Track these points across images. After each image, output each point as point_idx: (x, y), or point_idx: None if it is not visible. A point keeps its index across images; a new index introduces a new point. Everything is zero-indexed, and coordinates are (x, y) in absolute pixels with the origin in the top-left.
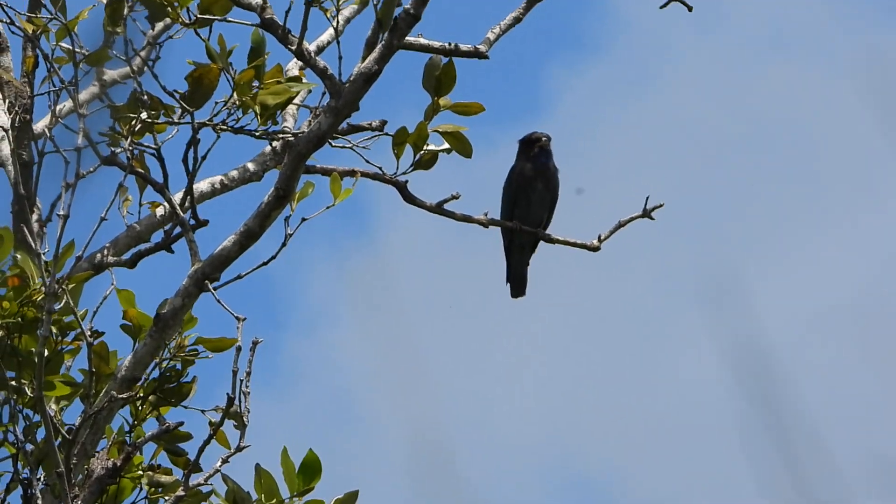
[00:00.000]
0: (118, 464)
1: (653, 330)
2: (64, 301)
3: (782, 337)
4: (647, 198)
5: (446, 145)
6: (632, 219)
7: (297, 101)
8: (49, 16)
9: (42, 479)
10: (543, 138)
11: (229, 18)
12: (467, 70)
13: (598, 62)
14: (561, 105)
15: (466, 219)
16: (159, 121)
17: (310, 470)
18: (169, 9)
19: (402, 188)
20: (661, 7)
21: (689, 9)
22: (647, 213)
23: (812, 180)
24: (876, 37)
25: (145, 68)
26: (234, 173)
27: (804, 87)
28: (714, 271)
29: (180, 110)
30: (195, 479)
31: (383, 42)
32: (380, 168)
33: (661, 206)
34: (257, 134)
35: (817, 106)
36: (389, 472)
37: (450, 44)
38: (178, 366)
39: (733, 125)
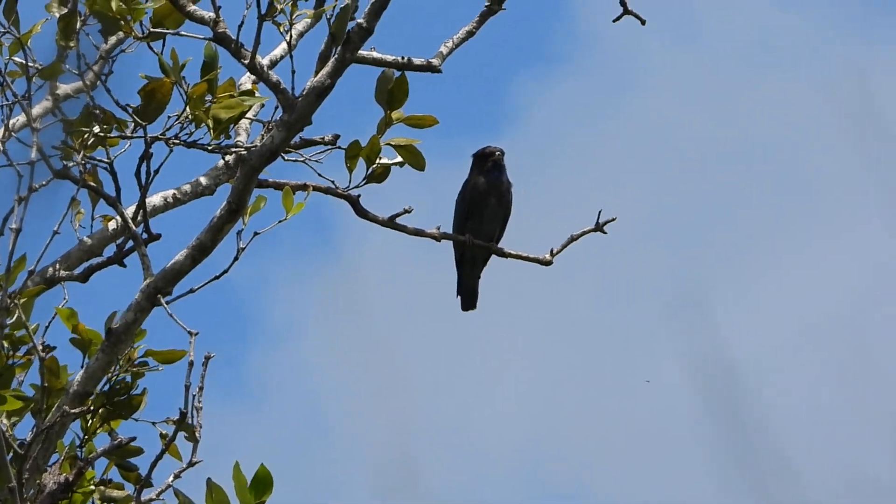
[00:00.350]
0: (70, 479)
1: (618, 343)
2: (16, 315)
3: (748, 351)
4: (600, 212)
5: (399, 158)
6: (584, 233)
7: (249, 115)
8: (2, 30)
9: None
10: (497, 152)
11: (182, 32)
12: (431, 83)
13: (567, 75)
14: (529, 118)
15: (419, 233)
16: (112, 135)
17: (261, 484)
18: (122, 23)
19: (354, 202)
20: (613, 21)
21: (643, 22)
22: (599, 228)
23: (786, 197)
24: (854, 49)
25: (98, 82)
26: (187, 187)
27: (779, 101)
28: (679, 286)
29: (133, 124)
30: (147, 495)
31: (336, 56)
32: (332, 182)
33: (613, 220)
34: (210, 148)
35: (792, 120)
36: (357, 484)
37: (403, 57)
38: (128, 378)
39: (706, 139)
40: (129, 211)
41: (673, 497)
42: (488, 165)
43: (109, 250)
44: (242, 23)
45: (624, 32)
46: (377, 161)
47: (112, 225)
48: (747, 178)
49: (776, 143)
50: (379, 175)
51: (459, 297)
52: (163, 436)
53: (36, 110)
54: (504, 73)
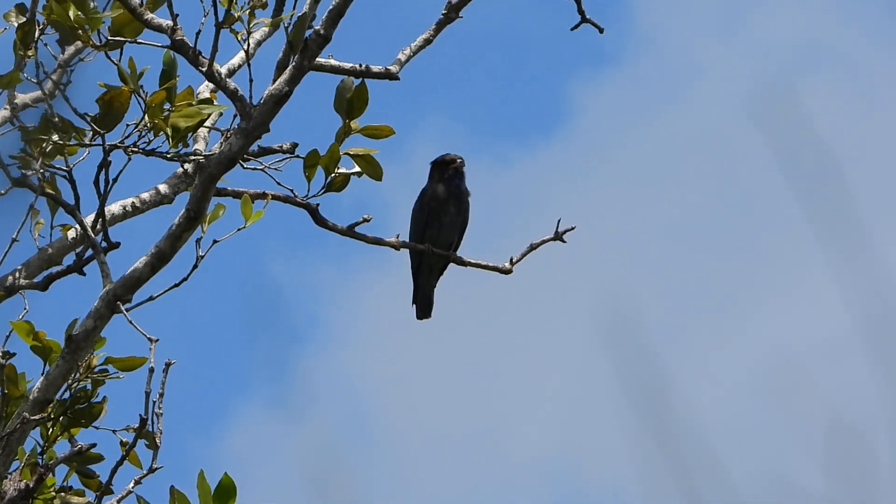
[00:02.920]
0: (31, 485)
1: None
2: None
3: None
4: (559, 220)
5: (357, 168)
6: (543, 241)
7: (208, 123)
8: None
9: None
10: (458, 160)
11: (140, 40)
12: (492, 79)
13: (621, 77)
14: (582, 120)
15: (378, 241)
16: (71, 143)
17: (225, 493)
18: (80, 32)
19: (313, 211)
20: (571, 29)
21: (601, 30)
22: (558, 236)
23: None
24: None
25: (57, 91)
26: (146, 195)
27: (836, 107)
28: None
29: (91, 132)
30: (107, 501)
31: (294, 63)
32: (291, 191)
33: (572, 228)
34: (169, 156)
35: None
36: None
37: (360, 65)
38: (89, 386)
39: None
40: (89, 219)
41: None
42: (449, 173)
43: (69, 259)
44: (200, 31)
45: (679, 34)
46: (336, 170)
47: (71, 233)
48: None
49: (837, 144)
50: (338, 184)
51: (415, 305)
52: (123, 444)
53: None
54: (557, 74)
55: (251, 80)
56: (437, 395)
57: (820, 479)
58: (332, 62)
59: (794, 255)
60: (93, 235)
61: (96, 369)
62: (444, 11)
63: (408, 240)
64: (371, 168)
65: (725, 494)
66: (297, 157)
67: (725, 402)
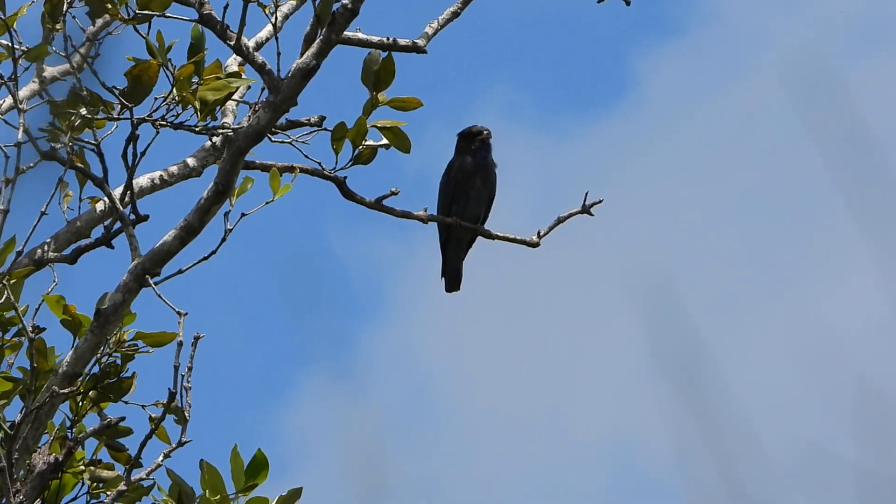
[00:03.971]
0: (60, 459)
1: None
2: (4, 297)
3: (712, 328)
4: (587, 193)
5: (385, 140)
6: (570, 214)
7: (236, 96)
8: None
9: None
10: (485, 132)
11: (168, 14)
12: (570, 48)
13: (684, 49)
14: (643, 93)
15: (406, 215)
16: (99, 116)
17: (257, 468)
18: (108, 5)
19: (340, 184)
20: (598, 1)
21: (627, 3)
22: (586, 209)
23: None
24: None
25: (85, 64)
26: (174, 169)
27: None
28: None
29: (120, 106)
30: (137, 474)
31: (321, 37)
32: (319, 164)
33: (600, 202)
34: (197, 129)
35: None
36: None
37: (388, 38)
38: (118, 361)
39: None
40: (117, 192)
41: (635, 480)
42: (475, 145)
43: (97, 231)
44: (228, 5)
45: (744, 5)
46: (363, 143)
47: (100, 206)
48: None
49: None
50: (365, 157)
51: (444, 278)
52: (152, 418)
53: (23, 92)
54: (619, 46)
55: (279, 54)
56: (492, 372)
57: (852, 447)
58: (360, 35)
59: (836, 235)
60: (121, 208)
61: (126, 344)
62: None
63: (436, 213)
64: (399, 140)
65: (760, 463)
66: (325, 129)
67: (761, 374)
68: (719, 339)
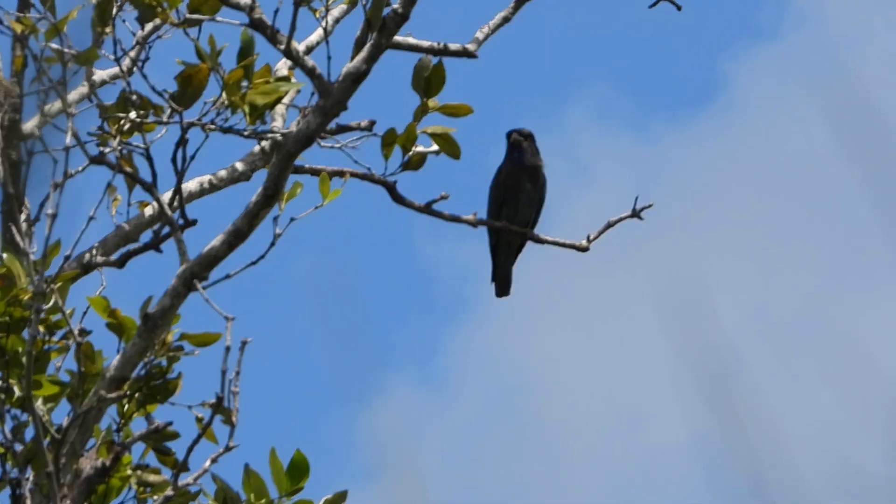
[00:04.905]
0: (107, 463)
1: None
2: (52, 300)
3: (744, 346)
4: (637, 197)
5: (435, 147)
6: (621, 219)
7: (285, 100)
8: (38, 15)
9: (31, 479)
10: (513, 136)
11: (218, 18)
12: (664, 50)
13: (776, 52)
14: (732, 96)
15: (455, 219)
16: (148, 120)
17: (298, 470)
18: (158, 9)
19: (391, 188)
20: (650, 7)
21: (679, 8)
22: (636, 213)
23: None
24: None
25: (134, 68)
26: (223, 173)
27: None
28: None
29: (169, 110)
30: (184, 479)
31: (372, 41)
32: (368, 168)
33: (650, 206)
34: (246, 133)
35: None
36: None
37: (439, 43)
38: (164, 363)
39: None
40: (166, 197)
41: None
42: (515, 149)
43: (146, 236)
44: (278, 9)
45: (838, 7)
46: (413, 149)
47: (148, 211)
48: None
49: None
50: (415, 163)
51: (494, 283)
52: (199, 420)
53: (72, 96)
54: (710, 48)
55: (329, 58)
56: (574, 374)
57: (886, 465)
58: (410, 40)
59: (874, 253)
60: (170, 213)
61: (172, 346)
62: None
63: (485, 218)
64: (449, 146)
65: (794, 481)
66: (375, 134)
67: (795, 392)
68: (754, 357)
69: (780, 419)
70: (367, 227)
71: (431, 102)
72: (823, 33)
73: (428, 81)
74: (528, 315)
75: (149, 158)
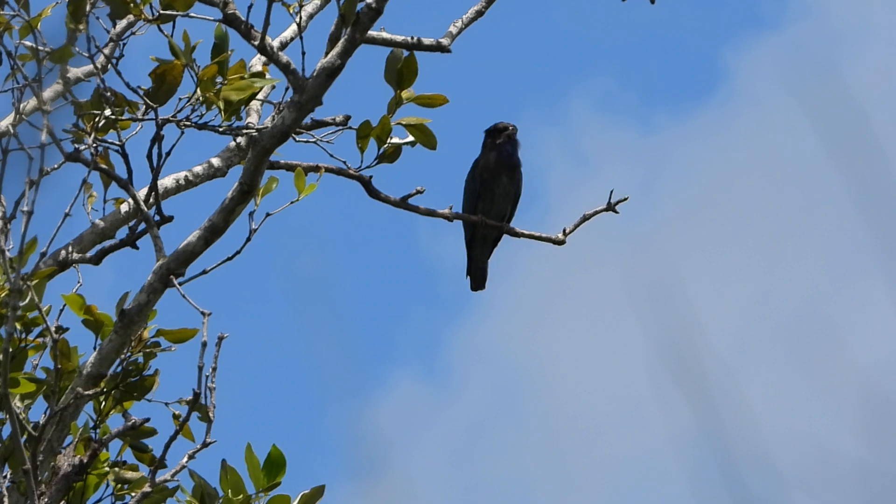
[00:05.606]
0: (84, 460)
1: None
2: (28, 297)
3: (717, 333)
4: (612, 191)
5: (411, 138)
6: (596, 212)
7: (260, 96)
8: (12, 13)
9: (8, 476)
10: (510, 127)
11: (192, 14)
12: (648, 41)
13: (778, 42)
14: (734, 87)
15: (431, 213)
16: (123, 117)
17: (274, 466)
18: (131, 5)
19: (366, 183)
20: (622, 0)
21: (652, 1)
22: (611, 207)
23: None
24: None
25: (109, 65)
26: (199, 169)
27: None
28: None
29: (144, 107)
30: (161, 475)
31: (346, 36)
32: (344, 162)
33: (625, 199)
34: (221, 129)
35: None
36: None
37: (412, 38)
38: (141, 359)
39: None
40: (142, 193)
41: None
42: (501, 140)
43: (122, 233)
44: (252, 4)
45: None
46: (388, 141)
47: (124, 207)
48: None
49: None
50: (390, 155)
51: (469, 276)
52: (176, 416)
53: (47, 93)
54: (712, 38)
55: (303, 54)
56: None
57: (857, 446)
58: (384, 35)
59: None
60: (146, 209)
61: (148, 342)
62: None
63: (461, 211)
64: (425, 137)
65: (764, 461)
66: (350, 128)
67: (766, 373)
68: (725, 340)
69: (750, 401)
70: (370, 222)
71: (406, 93)
72: (826, 24)
73: (400, 73)
74: (533, 309)
75: (124, 155)
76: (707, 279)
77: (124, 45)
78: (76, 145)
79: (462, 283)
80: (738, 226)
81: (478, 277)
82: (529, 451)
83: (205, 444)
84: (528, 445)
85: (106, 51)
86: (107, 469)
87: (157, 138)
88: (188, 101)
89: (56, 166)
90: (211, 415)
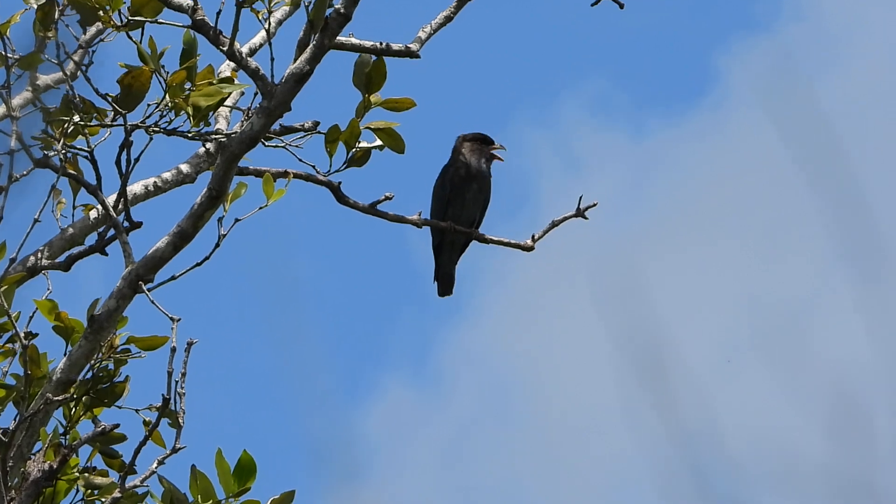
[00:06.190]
0: (54, 466)
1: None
2: None
3: (682, 333)
4: (581, 197)
5: (379, 142)
6: (565, 218)
7: (229, 102)
8: None
9: None
10: (500, 147)
11: (161, 20)
12: (641, 44)
13: (771, 45)
14: (726, 91)
15: (399, 219)
16: (92, 124)
17: (245, 471)
18: (100, 12)
19: (335, 189)
20: (592, 5)
21: (621, 6)
22: (580, 213)
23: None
24: None
25: (78, 72)
26: (168, 175)
27: None
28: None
29: (113, 113)
30: (131, 481)
31: (315, 42)
32: (313, 167)
33: (594, 205)
34: (190, 135)
35: None
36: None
37: (381, 43)
38: (111, 366)
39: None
40: (111, 199)
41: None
42: (485, 156)
43: (91, 239)
44: (220, 10)
45: (833, 4)
46: (357, 145)
47: (93, 213)
48: None
49: None
50: (359, 159)
51: (436, 282)
52: (146, 423)
53: (16, 100)
54: (705, 41)
55: (272, 59)
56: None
57: (822, 448)
58: (353, 40)
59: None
60: (115, 215)
61: (118, 349)
62: None
63: (429, 217)
64: (393, 141)
65: (729, 463)
66: (319, 133)
67: (731, 375)
68: (693, 343)
69: (715, 402)
70: (359, 226)
71: (374, 98)
72: (820, 27)
73: (369, 77)
74: (523, 312)
75: (93, 161)
76: (687, 281)
77: (94, 51)
78: (45, 152)
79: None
80: (724, 229)
81: (445, 283)
82: (520, 453)
83: (174, 450)
84: (519, 448)
85: (76, 57)
86: (77, 475)
87: (126, 144)
88: (157, 107)
89: (25, 172)
90: (181, 420)
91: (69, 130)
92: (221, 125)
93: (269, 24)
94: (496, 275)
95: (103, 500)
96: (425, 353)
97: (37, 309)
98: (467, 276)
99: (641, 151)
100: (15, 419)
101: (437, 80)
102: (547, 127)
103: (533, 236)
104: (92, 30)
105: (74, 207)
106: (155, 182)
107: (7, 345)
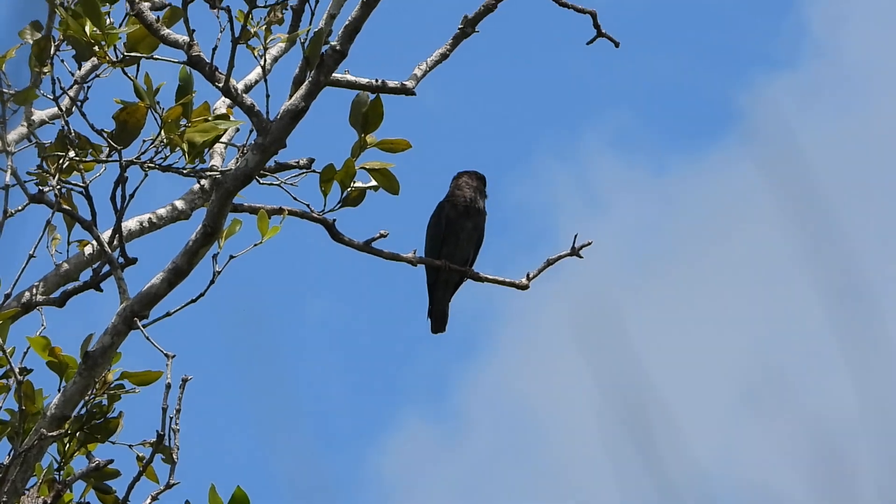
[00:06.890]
0: (48, 501)
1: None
2: None
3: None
4: (576, 235)
5: (374, 182)
6: (560, 257)
7: (224, 138)
8: None
9: None
10: (480, 180)
11: (156, 56)
12: (664, 79)
13: (795, 83)
14: (747, 128)
15: (395, 257)
16: (87, 159)
17: None
18: (96, 48)
19: (329, 227)
20: (587, 43)
21: (616, 45)
22: (575, 252)
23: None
24: None
25: (73, 107)
26: (163, 211)
27: None
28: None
29: (108, 149)
30: None
31: (310, 79)
32: (307, 206)
33: (589, 244)
34: (185, 172)
35: None
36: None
37: (377, 80)
38: (105, 401)
39: None
40: (105, 235)
41: None
42: (480, 193)
43: (86, 274)
44: (216, 46)
45: (858, 38)
46: (352, 185)
47: (88, 249)
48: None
49: None
50: (354, 199)
51: (430, 319)
52: (140, 458)
53: (11, 135)
54: (726, 78)
55: (268, 96)
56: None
57: (802, 489)
58: (349, 77)
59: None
60: (109, 251)
61: (112, 384)
62: (460, 26)
63: (423, 255)
64: (388, 182)
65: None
66: (314, 171)
67: (710, 414)
68: (671, 384)
69: (696, 444)
70: (377, 263)
71: (370, 138)
72: (841, 63)
73: (365, 117)
74: (540, 349)
75: (88, 197)
76: (680, 329)
77: (89, 87)
78: (40, 187)
79: (469, 325)
80: (725, 276)
81: (438, 320)
82: (538, 491)
83: (168, 486)
84: (537, 486)
85: (71, 93)
86: None
87: (121, 180)
88: (152, 143)
89: (20, 208)
90: (175, 456)
91: (64, 166)
92: (216, 162)
93: (265, 60)
94: (517, 312)
95: None
96: (443, 388)
97: (31, 345)
98: (485, 312)
99: (662, 187)
100: (9, 454)
101: (446, 116)
102: (567, 159)
103: (528, 275)
104: (87, 65)
105: (69, 243)
106: (150, 218)
107: (2, 380)
